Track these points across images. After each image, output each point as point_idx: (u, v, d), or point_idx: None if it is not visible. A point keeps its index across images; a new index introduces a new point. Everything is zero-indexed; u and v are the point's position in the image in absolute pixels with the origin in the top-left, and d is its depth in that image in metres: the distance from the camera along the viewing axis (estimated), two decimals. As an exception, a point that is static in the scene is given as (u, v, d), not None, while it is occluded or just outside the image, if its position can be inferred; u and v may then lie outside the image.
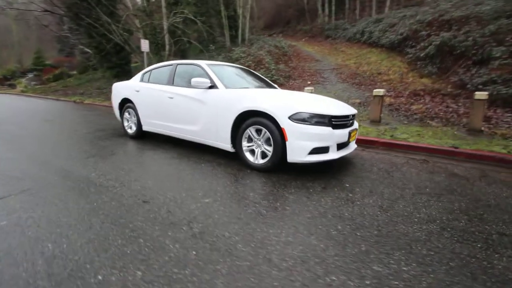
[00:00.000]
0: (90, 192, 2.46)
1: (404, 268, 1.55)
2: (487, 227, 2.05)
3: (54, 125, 6.28)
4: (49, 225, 1.89)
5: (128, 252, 1.61)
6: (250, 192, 2.55)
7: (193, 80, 3.49)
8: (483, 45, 8.37)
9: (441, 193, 2.66)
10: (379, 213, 2.20)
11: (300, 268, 1.51)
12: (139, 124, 4.63)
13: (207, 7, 18.56)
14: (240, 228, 1.90)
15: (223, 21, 17.35)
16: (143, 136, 4.80)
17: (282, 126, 2.86)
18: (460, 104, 6.79)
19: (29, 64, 30.12)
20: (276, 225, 1.95)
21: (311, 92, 5.80)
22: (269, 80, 7.99)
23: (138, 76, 4.82)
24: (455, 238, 1.88)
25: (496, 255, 1.70)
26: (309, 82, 10.48)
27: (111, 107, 11.22)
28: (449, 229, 1.99)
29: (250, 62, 11.27)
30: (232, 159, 3.56)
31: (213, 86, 3.53)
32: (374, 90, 5.76)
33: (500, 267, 1.59)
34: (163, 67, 4.42)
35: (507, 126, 4.96)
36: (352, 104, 7.76)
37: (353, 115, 3.43)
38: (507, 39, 7.66)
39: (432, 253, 1.70)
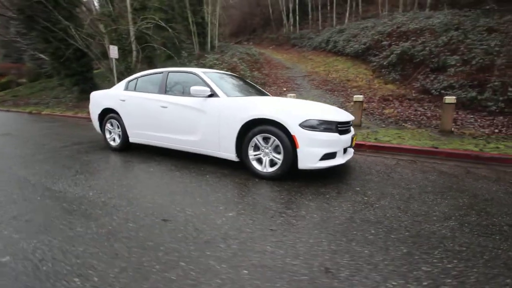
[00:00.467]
0: (97, 213, 2.21)
1: (449, 266, 1.62)
2: (495, 220, 2.24)
3: (14, 139, 5.58)
4: (66, 256, 1.65)
5: (174, 278, 1.46)
6: (269, 201, 2.50)
7: (193, 88, 3.36)
8: (438, 54, 9.33)
9: (442, 191, 2.86)
10: (400, 214, 2.29)
11: (358, 277, 1.50)
12: (124, 136, 4.31)
13: (173, 14, 18.17)
14: (278, 241, 1.84)
15: (191, 28, 17.11)
16: (127, 149, 4.47)
17: (292, 133, 2.86)
18: (426, 107, 7.46)
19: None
20: (312, 235, 1.93)
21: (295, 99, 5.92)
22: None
23: (121, 84, 4.50)
24: (476, 233, 2.02)
25: (516, 245, 1.86)
26: (284, 89, 10.72)
27: (75, 117, 10.39)
28: (466, 225, 2.14)
29: (225, 70, 11.21)
30: (236, 169, 3.47)
31: (212, 95, 3.43)
32: (354, 96, 6.07)
33: (524, 256, 1.75)
34: (152, 75, 4.19)
35: (472, 126, 5.56)
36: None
37: (352, 121, 3.57)
38: (460, 48, 8.63)
39: (464, 248, 1.81)
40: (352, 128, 3.63)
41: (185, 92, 3.73)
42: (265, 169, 3.11)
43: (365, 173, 3.44)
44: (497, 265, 1.64)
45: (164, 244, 1.77)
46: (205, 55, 13.49)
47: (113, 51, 8.85)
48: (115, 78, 9.18)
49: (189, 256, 1.66)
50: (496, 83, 6.12)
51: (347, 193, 2.75)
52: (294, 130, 2.85)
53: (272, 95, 9.74)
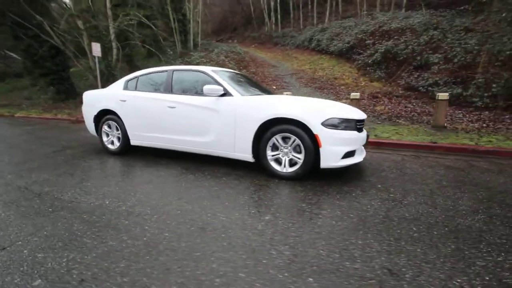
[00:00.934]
0: (124, 224, 2.04)
1: (499, 259, 1.66)
2: (517, 211, 2.35)
3: (-5, 145, 5.10)
4: (109, 275, 1.49)
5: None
6: (300, 203, 2.45)
7: (206, 87, 3.22)
8: (420, 53, 9.74)
9: (458, 185, 2.96)
10: (431, 210, 2.33)
11: (423, 277, 1.49)
12: (125, 138, 4.06)
13: (152, 10, 17.52)
14: (328, 243, 1.80)
15: (173, 25, 16.60)
16: (126, 152, 4.22)
17: (315, 132, 2.83)
18: (414, 104, 7.76)
19: None
20: (359, 236, 1.90)
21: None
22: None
23: (119, 83, 4.24)
24: (506, 224, 2.10)
25: (548, 235, 1.96)
26: (274, 87, 10.71)
27: (55, 119, 9.68)
28: (494, 217, 2.22)
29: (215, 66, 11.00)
30: (250, 170, 3.39)
31: (225, 94, 3.31)
32: (351, 94, 6.18)
33: (560, 245, 1.84)
34: (154, 74, 3.98)
35: (461, 121, 5.85)
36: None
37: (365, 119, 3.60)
38: (442, 46, 9.07)
39: (504, 240, 1.87)
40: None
41: (194, 91, 3.58)
42: (285, 169, 3.06)
43: (378, 170, 3.49)
44: (541, 256, 1.71)
45: (213, 254, 1.67)
46: (190, 53, 13.15)
47: (96, 49, 8.35)
48: (98, 77, 8.69)
49: (245, 265, 1.57)
50: (480, 80, 6.50)
51: (371, 190, 2.77)
52: (317, 129, 2.82)
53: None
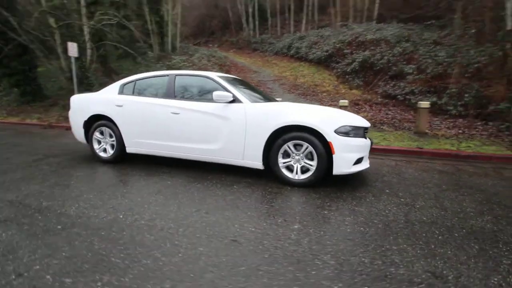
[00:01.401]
0: (150, 240, 1.91)
1: (521, 258, 1.81)
2: (515, 211, 2.57)
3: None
4: (157, 296, 1.39)
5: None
6: (322, 210, 2.47)
7: (216, 93, 3.15)
8: (395, 63, 10.39)
9: (455, 188, 3.17)
10: (443, 213, 2.48)
11: (464, 278, 1.57)
12: (120, 146, 3.83)
13: (126, 11, 16.84)
14: (366, 251, 1.83)
15: (149, 27, 16.07)
16: (120, 161, 3.98)
17: (329, 140, 2.88)
18: (393, 111, 8.23)
19: None
20: (391, 241, 1.96)
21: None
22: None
23: (112, 87, 3.99)
24: (512, 225, 2.29)
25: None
26: (258, 93, 10.75)
27: (24, 124, 8.86)
28: (499, 218, 2.41)
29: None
30: (259, 177, 3.36)
31: (234, 100, 3.27)
32: (340, 101, 6.41)
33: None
34: (153, 78, 3.81)
35: (440, 128, 6.31)
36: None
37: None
38: (415, 57, 9.75)
39: (517, 240, 2.04)
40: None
41: (200, 97, 3.49)
42: (297, 176, 3.08)
43: (379, 175, 3.64)
44: (552, 253, 1.88)
45: (259, 268, 1.62)
46: (172, 56, 12.79)
47: (72, 49, 7.82)
48: (75, 79, 8.12)
49: (296, 278, 1.54)
50: (453, 90, 7.08)
51: (382, 196, 2.87)
52: (331, 136, 2.88)
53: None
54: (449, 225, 2.24)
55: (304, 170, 3.08)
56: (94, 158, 4.14)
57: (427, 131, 5.98)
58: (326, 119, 2.97)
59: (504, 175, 3.78)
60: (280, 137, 3.07)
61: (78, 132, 4.13)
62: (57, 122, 8.05)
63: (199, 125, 3.37)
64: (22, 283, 1.47)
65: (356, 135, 3.02)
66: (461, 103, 6.72)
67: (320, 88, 11.52)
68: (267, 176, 3.37)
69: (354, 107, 8.95)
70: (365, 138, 3.18)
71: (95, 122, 3.97)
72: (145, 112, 3.63)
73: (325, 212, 2.43)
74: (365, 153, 3.13)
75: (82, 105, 4.05)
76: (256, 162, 3.21)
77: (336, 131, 2.90)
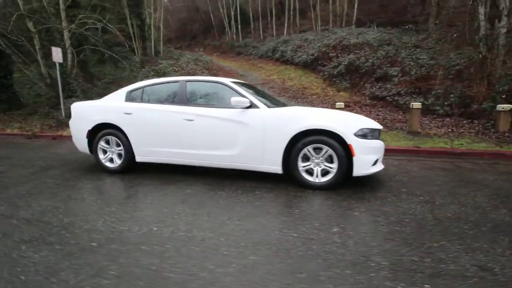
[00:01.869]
0: (198, 252, 1.86)
1: (550, 248, 1.95)
2: (524, 204, 2.77)
3: None
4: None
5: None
6: (351, 211, 2.53)
7: (234, 99, 3.14)
8: (380, 66, 10.82)
9: (462, 185, 3.35)
10: (464, 209, 2.61)
11: (508, 269, 1.67)
12: (129, 155, 3.69)
13: (105, 14, 16.29)
14: (412, 250, 1.89)
15: (131, 31, 15.62)
16: (128, 170, 3.84)
17: (349, 142, 2.96)
18: (382, 112, 8.55)
19: None
20: (430, 239, 2.04)
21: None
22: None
23: (118, 94, 3.85)
24: (527, 217, 2.47)
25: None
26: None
27: (3, 134, 8.22)
28: (513, 211, 2.59)
29: (187, 75, 10.63)
30: (276, 182, 3.37)
31: (251, 106, 3.26)
32: (337, 103, 6.58)
33: None
34: (163, 84, 3.72)
35: (430, 127, 6.64)
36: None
37: None
38: (398, 60, 10.22)
39: (540, 231, 2.20)
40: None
41: (214, 103, 3.46)
42: (317, 179, 3.12)
43: (390, 174, 3.77)
44: None
45: (319, 273, 1.63)
46: (159, 60, 12.52)
47: (57, 54, 7.45)
48: (60, 85, 7.73)
49: (358, 281, 1.56)
50: (439, 91, 7.49)
51: (401, 195, 2.98)
52: (351, 139, 2.95)
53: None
54: (474, 220, 2.37)
55: (323, 173, 3.13)
56: (97, 168, 3.96)
57: (419, 130, 6.28)
58: (346, 122, 3.05)
59: (499, 170, 4.04)
60: (299, 141, 3.11)
61: (81, 141, 3.93)
62: (41, 131, 7.60)
63: (215, 131, 3.33)
64: (79, 307, 1.39)
65: (373, 137, 3.12)
66: (447, 103, 7.12)
67: (309, 91, 11.75)
68: (284, 180, 3.39)
69: (345, 108, 9.20)
70: (380, 139, 3.29)
71: (100, 131, 3.80)
72: (156, 120, 3.53)
73: (356, 214, 2.48)
74: (381, 154, 3.24)
75: (85, 114, 3.86)
76: (275, 166, 3.22)
77: (356, 134, 2.98)
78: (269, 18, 22.84)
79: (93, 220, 2.34)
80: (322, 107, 9.03)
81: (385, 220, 2.35)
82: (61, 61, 7.65)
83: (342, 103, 6.61)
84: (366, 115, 8.30)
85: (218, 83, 3.53)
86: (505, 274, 1.62)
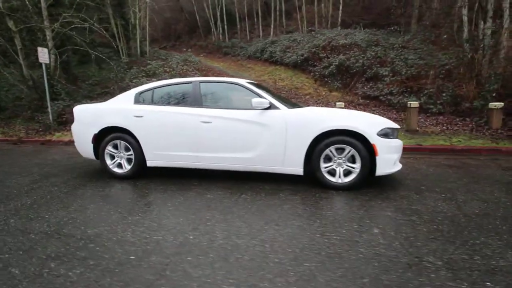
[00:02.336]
0: (246, 260, 1.77)
1: None
2: (538, 198, 2.89)
3: None
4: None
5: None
6: (383, 211, 2.53)
7: (254, 100, 3.07)
8: (370, 66, 11.08)
9: (474, 181, 3.45)
10: (486, 204, 2.68)
11: (558, 264, 1.72)
12: (140, 159, 3.52)
13: (88, 13, 15.63)
14: (458, 248, 1.90)
15: (115, 31, 15.05)
16: (139, 176, 3.66)
17: (372, 142, 2.96)
18: (376, 111, 8.74)
19: None
20: (470, 236, 2.07)
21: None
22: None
23: (126, 97, 3.66)
24: (547, 210, 2.57)
25: None
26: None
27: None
28: (533, 205, 2.69)
29: (178, 76, 10.37)
30: (296, 183, 3.32)
31: (270, 107, 3.20)
32: (337, 103, 6.64)
33: None
34: (175, 86, 3.58)
35: (425, 125, 6.86)
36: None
37: None
38: (387, 60, 10.51)
39: None
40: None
41: (231, 105, 3.37)
42: (340, 179, 3.11)
43: (403, 173, 3.81)
44: None
45: (380, 278, 1.59)
46: (148, 61, 12.12)
47: (43, 55, 7.04)
48: (47, 88, 7.30)
49: (421, 284, 1.54)
50: (431, 90, 7.76)
51: (423, 193, 3.02)
52: (374, 139, 2.96)
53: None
54: (500, 215, 2.43)
55: (345, 173, 3.12)
56: (103, 174, 3.75)
57: (417, 128, 6.46)
58: (368, 122, 3.06)
59: (502, 165, 4.21)
60: (321, 142, 3.08)
61: (85, 147, 3.70)
62: (27, 136, 7.14)
63: (234, 133, 3.24)
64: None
65: (393, 136, 3.15)
66: (440, 101, 7.38)
67: (301, 91, 11.83)
68: (303, 181, 3.35)
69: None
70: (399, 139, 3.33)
71: (107, 135, 3.60)
72: (170, 122, 3.38)
73: (389, 214, 2.48)
74: (400, 153, 3.28)
75: (91, 117, 3.64)
76: (296, 168, 3.18)
77: (378, 134, 2.99)
78: (255, 19, 22.81)
79: (120, 231, 2.19)
80: (319, 107, 9.10)
81: (420, 219, 2.36)
82: (47, 62, 7.23)
83: (342, 103, 6.70)
84: (362, 115, 8.45)
85: (233, 83, 3.44)
86: (555, 268, 1.67)
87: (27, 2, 8.56)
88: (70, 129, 7.91)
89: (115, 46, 12.28)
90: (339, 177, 3.12)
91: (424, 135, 6.13)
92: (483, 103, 6.44)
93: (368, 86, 10.64)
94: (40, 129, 7.47)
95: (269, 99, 3.24)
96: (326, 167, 3.13)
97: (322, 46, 13.93)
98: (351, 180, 3.07)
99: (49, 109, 7.56)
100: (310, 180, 3.29)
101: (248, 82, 3.50)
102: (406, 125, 6.70)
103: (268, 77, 14.20)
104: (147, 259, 1.80)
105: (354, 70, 11.50)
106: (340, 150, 3.08)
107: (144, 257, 1.83)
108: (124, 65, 11.78)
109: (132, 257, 1.83)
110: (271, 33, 21.74)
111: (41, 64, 10.04)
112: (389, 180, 3.49)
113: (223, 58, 20.71)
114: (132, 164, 3.57)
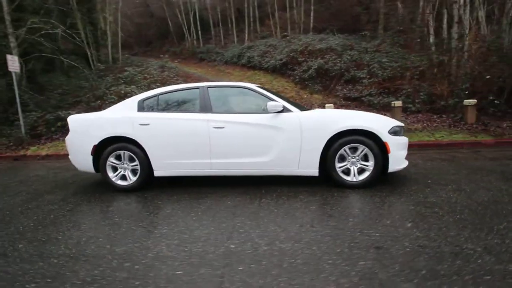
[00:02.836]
0: (299, 264, 1.74)
1: None
2: (531, 184, 3.18)
3: None
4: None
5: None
6: (407, 206, 2.65)
7: (270, 104, 3.06)
8: (347, 69, 11.58)
9: (474, 172, 3.69)
10: (492, 193, 2.88)
11: None
12: (146, 170, 3.33)
13: (50, 17, 14.64)
14: (489, 234, 2.03)
15: (83, 37, 14.24)
16: (143, 187, 3.47)
17: (384, 140, 3.08)
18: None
19: None
20: (493, 222, 2.21)
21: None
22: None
23: (128, 104, 3.46)
24: (543, 194, 2.83)
25: None
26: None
27: None
28: (530, 191, 2.95)
29: (159, 84, 10.01)
30: (311, 184, 3.35)
31: (283, 110, 3.21)
32: (326, 105, 6.82)
33: None
34: (181, 92, 3.47)
35: (407, 123, 7.28)
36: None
37: None
38: (363, 63, 11.05)
39: None
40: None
41: (243, 109, 3.34)
42: (355, 178, 3.19)
43: (405, 168, 4.00)
44: None
45: (435, 269, 1.65)
46: (125, 67, 11.58)
47: (13, 63, 6.45)
48: (17, 97, 6.69)
49: (488, 271, 1.62)
50: (409, 90, 8.28)
51: (432, 186, 3.19)
52: (386, 137, 3.08)
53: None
54: (509, 201, 2.64)
55: (359, 171, 3.21)
56: (104, 188, 3.51)
57: (401, 126, 6.83)
58: (379, 121, 3.19)
59: (487, 156, 4.59)
60: (335, 142, 3.14)
61: (83, 159, 3.43)
62: (-3, 152, 6.47)
63: (248, 138, 3.19)
64: None
65: (401, 134, 3.30)
66: (418, 101, 7.89)
67: (284, 95, 11.99)
68: (317, 182, 3.39)
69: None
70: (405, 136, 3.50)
71: (107, 146, 3.37)
72: (179, 129, 3.25)
73: (412, 208, 2.59)
74: (407, 149, 3.44)
75: (89, 127, 3.39)
76: (312, 169, 3.21)
77: (389, 132, 3.12)
78: (229, 25, 22.86)
79: (153, 246, 2.05)
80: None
81: (441, 210, 2.49)
82: (18, 70, 6.63)
83: (332, 105, 6.90)
84: (346, 115, 8.77)
85: (243, 88, 3.41)
86: None
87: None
88: (46, 143, 7.39)
89: (87, 53, 11.57)
90: (354, 175, 3.20)
91: (409, 132, 6.49)
92: (457, 100, 6.99)
93: (347, 88, 11.09)
94: (11, 144, 6.80)
95: (282, 102, 3.25)
96: (340, 167, 3.20)
97: (299, 50, 14.31)
98: (365, 178, 3.16)
99: (21, 122, 6.93)
100: (323, 180, 3.34)
101: (258, 86, 3.49)
102: (391, 123, 7.06)
103: (248, 82, 14.24)
104: (196, 273, 1.70)
105: (333, 73, 11.92)
106: (353, 150, 3.17)
107: (193, 271, 1.72)
108: (99, 72, 11.16)
109: (179, 272, 1.71)
110: (246, 38, 21.91)
111: (7, 72, 9.25)
112: (395, 176, 3.64)
113: (199, 63, 20.45)
114: (137, 175, 3.37)
